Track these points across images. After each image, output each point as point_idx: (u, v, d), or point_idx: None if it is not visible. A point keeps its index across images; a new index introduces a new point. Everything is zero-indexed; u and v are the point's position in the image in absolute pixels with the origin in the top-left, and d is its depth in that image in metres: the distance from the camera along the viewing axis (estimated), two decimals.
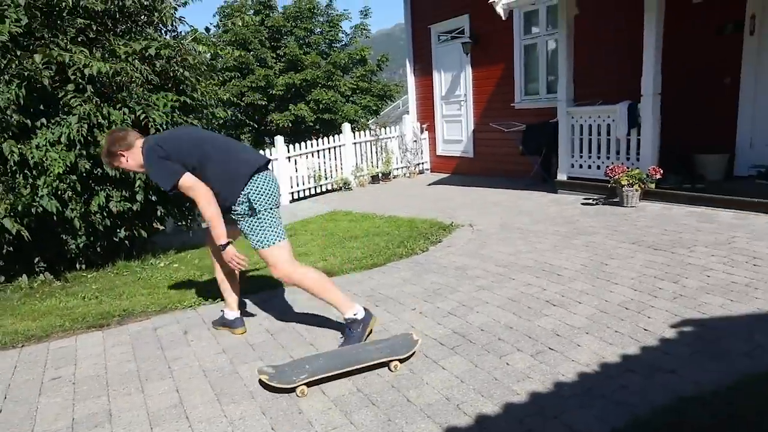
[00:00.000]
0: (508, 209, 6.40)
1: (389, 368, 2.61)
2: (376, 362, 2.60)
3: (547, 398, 2.27)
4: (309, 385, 2.47)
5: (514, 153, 8.35)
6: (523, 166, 8.28)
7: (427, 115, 10.98)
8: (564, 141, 6.80)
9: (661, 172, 5.64)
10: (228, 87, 13.79)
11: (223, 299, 3.35)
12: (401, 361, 2.65)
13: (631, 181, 5.65)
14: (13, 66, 4.17)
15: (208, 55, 5.58)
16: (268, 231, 2.89)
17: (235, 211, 2.88)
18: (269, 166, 3.00)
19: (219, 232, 2.89)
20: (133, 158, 2.95)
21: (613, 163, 6.12)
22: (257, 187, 2.85)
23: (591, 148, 6.53)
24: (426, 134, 11.00)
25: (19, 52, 4.22)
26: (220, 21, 16.83)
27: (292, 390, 2.45)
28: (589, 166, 6.58)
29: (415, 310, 3.42)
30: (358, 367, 2.57)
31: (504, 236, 5.12)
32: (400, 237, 5.42)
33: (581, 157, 6.66)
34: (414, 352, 2.73)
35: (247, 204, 2.84)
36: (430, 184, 9.51)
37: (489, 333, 2.97)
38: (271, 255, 2.91)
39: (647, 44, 5.68)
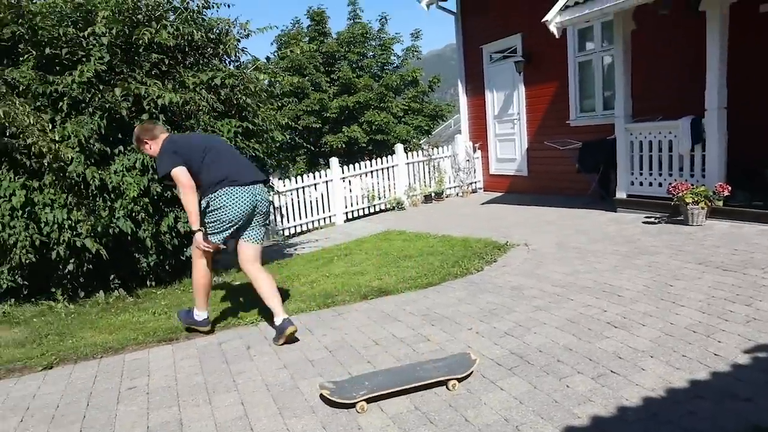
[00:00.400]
0: (565, 228, 6.28)
1: (447, 387, 2.63)
2: (434, 381, 2.63)
3: (609, 422, 2.22)
4: (368, 401, 2.52)
5: (570, 171, 8.21)
6: (579, 185, 8.12)
7: (479, 135, 10.97)
8: (623, 158, 6.63)
9: (729, 188, 5.40)
10: (284, 111, 14.30)
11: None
12: (459, 380, 2.66)
13: (696, 199, 5.43)
14: (96, 99, 4.55)
15: (266, 82, 5.84)
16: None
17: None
18: (249, 184, 3.55)
19: (193, 219, 3.45)
20: (155, 147, 3.60)
21: (675, 180, 5.91)
22: (217, 195, 3.46)
23: (651, 165, 6.33)
24: (479, 153, 10.98)
25: (101, 87, 4.60)
26: (278, 49, 17.55)
27: (352, 406, 2.51)
28: (650, 184, 6.38)
29: (471, 330, 3.42)
30: (416, 385, 2.61)
31: (561, 256, 5.03)
32: (454, 256, 5.42)
33: (641, 174, 6.47)
34: (472, 372, 2.73)
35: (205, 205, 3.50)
36: (483, 203, 9.47)
37: (547, 354, 2.93)
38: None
39: (711, 57, 5.50)
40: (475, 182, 11.07)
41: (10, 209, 4.37)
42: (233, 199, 3.49)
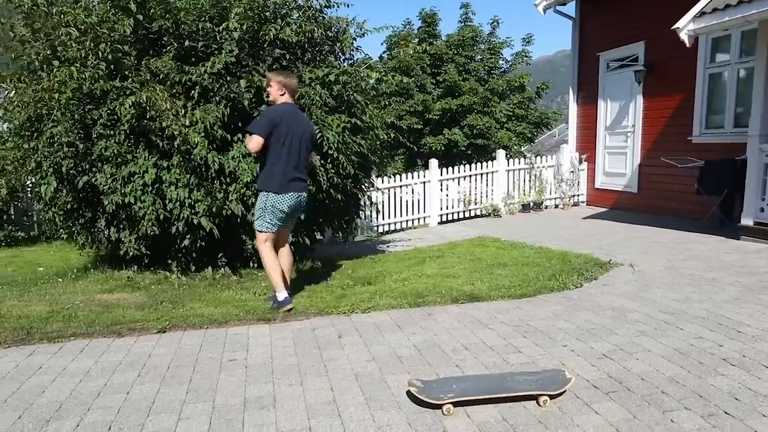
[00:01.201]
0: (677, 252, 5.83)
1: (537, 403, 2.54)
2: (524, 394, 2.55)
3: None
4: (455, 404, 2.50)
5: (687, 191, 7.60)
6: (697, 206, 7.49)
7: (587, 146, 10.47)
8: (753, 181, 6.01)
9: None
10: (389, 110, 14.54)
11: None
12: (551, 397, 2.56)
13: None
14: (223, 89, 4.90)
15: (372, 81, 5.97)
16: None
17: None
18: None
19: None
20: (273, 94, 4.22)
21: None
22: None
23: None
24: (584, 165, 10.48)
25: (228, 78, 4.95)
26: (388, 49, 17.86)
27: (438, 407, 2.50)
28: None
29: (566, 347, 3.27)
30: (505, 395, 2.55)
31: (671, 281, 4.67)
32: (551, 269, 5.22)
33: None
34: (565, 391, 2.62)
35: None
36: (585, 218, 9.03)
37: (650, 383, 2.74)
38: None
39: None
40: (578, 195, 10.58)
41: (142, 185, 4.83)
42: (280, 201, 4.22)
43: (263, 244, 4.26)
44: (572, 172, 10.45)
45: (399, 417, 2.48)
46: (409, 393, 2.65)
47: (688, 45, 6.14)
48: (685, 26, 5.98)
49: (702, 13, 5.85)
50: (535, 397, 2.55)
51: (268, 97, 4.29)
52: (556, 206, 10.47)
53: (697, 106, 7.92)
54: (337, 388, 2.79)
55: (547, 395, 2.54)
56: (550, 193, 10.47)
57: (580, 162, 10.49)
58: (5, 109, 5.28)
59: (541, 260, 5.68)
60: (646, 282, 4.69)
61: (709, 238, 6.48)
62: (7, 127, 5.66)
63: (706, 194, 7.18)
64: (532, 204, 10.23)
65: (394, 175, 9.93)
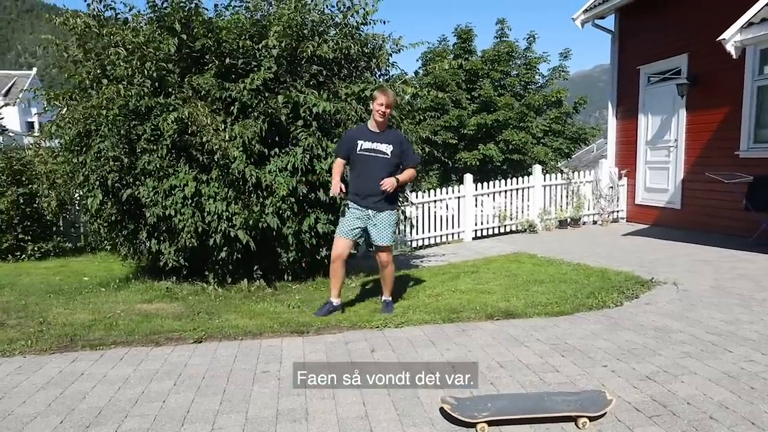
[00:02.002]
0: (724, 271, 5.58)
1: (576, 424, 2.45)
2: (562, 415, 2.46)
3: None
4: (489, 423, 2.44)
5: (734, 208, 7.30)
6: (744, 223, 7.17)
7: (627, 161, 10.20)
8: None
9: None
10: (423, 125, 14.58)
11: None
12: (590, 419, 2.46)
13: None
14: (261, 105, 5.01)
15: (408, 96, 5.99)
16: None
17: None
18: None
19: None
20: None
21: None
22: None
23: None
24: (624, 180, 10.21)
25: (267, 94, 5.06)
26: (423, 65, 17.96)
27: (472, 425, 2.43)
28: None
29: (606, 367, 3.15)
30: (541, 415, 2.46)
31: (718, 301, 4.47)
32: (589, 287, 5.07)
33: None
34: (605, 413, 2.51)
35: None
36: (625, 234, 8.76)
37: (697, 408, 2.60)
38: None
39: None
40: (618, 211, 10.29)
41: (182, 198, 4.97)
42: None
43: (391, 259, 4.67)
44: (611, 187, 10.18)
45: None
46: (442, 410, 2.59)
47: (734, 56, 5.94)
48: (732, 37, 5.79)
49: (750, 24, 5.65)
50: (574, 419, 2.46)
51: (384, 119, 4.36)
52: (595, 222, 10.21)
53: (744, 119, 7.63)
54: (369, 403, 2.76)
55: (586, 417, 2.45)
56: (589, 209, 10.22)
57: (620, 177, 10.22)
58: (57, 125, 5.53)
59: (579, 277, 5.53)
60: (691, 301, 4.49)
61: (758, 256, 6.18)
62: (58, 143, 5.91)
63: (755, 211, 6.87)
64: (569, 220, 10.00)
65: (429, 190, 9.89)
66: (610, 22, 10.41)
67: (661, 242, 7.70)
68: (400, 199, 4.33)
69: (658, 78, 9.35)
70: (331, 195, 4.69)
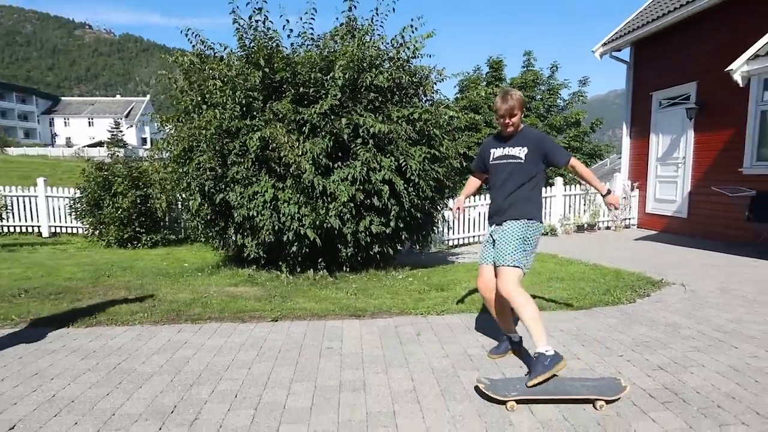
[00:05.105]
0: (728, 274, 5.25)
1: (594, 406, 2.37)
2: (581, 397, 2.39)
3: None
4: (518, 402, 2.39)
5: (736, 218, 6.87)
6: (743, 232, 6.75)
7: (638, 175, 9.76)
8: None
9: None
10: (459, 142, 14.47)
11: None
12: (607, 402, 2.38)
13: None
14: (328, 126, 5.08)
15: (447, 118, 5.92)
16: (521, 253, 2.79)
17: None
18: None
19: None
20: (519, 119, 2.91)
21: None
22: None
23: None
24: (636, 192, 9.77)
25: (332, 117, 5.13)
26: (459, 91, 17.77)
27: (503, 403, 2.40)
28: None
29: (622, 357, 3.03)
30: (563, 397, 2.40)
31: (723, 301, 4.21)
32: (605, 285, 4.88)
33: None
34: (620, 398, 2.42)
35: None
36: (636, 239, 8.38)
37: (705, 397, 2.47)
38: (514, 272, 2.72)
39: None
40: (630, 218, 9.86)
41: (263, 202, 5.10)
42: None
43: (520, 287, 2.66)
44: (625, 197, 9.76)
45: (470, 409, 2.40)
46: (477, 388, 2.56)
47: (741, 85, 5.59)
48: (739, 68, 5.45)
49: (756, 56, 5.30)
50: (592, 402, 2.38)
51: (513, 128, 2.93)
52: (608, 228, 9.82)
53: (747, 140, 7.16)
54: (416, 379, 2.76)
55: (603, 400, 2.36)
56: (603, 216, 9.84)
57: (633, 189, 9.79)
58: (168, 142, 5.80)
59: (596, 276, 5.33)
60: (698, 301, 4.26)
61: (760, 262, 5.79)
62: (167, 156, 6.19)
63: (758, 222, 6.44)
64: (585, 225, 9.66)
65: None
66: (625, 53, 10.01)
67: (669, 247, 7.33)
68: (529, 209, 2.88)
69: (668, 102, 8.90)
70: (451, 211, 3.32)
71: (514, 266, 2.70)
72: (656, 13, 8.81)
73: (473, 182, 3.42)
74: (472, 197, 9.62)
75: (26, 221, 10.47)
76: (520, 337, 3.10)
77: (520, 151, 2.93)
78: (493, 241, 2.93)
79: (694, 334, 3.42)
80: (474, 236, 9.56)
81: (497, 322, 3.06)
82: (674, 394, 2.50)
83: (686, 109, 8.22)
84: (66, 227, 10.45)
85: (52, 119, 72.08)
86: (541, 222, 2.93)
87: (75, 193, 9.23)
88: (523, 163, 2.91)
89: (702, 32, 7.95)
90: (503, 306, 2.92)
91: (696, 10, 7.69)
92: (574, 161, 2.96)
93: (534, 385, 2.42)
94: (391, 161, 5.21)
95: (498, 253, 2.81)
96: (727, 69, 5.59)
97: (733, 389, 2.54)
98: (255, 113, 5.29)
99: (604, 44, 9.83)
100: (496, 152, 3.02)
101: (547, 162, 2.94)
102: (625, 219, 9.81)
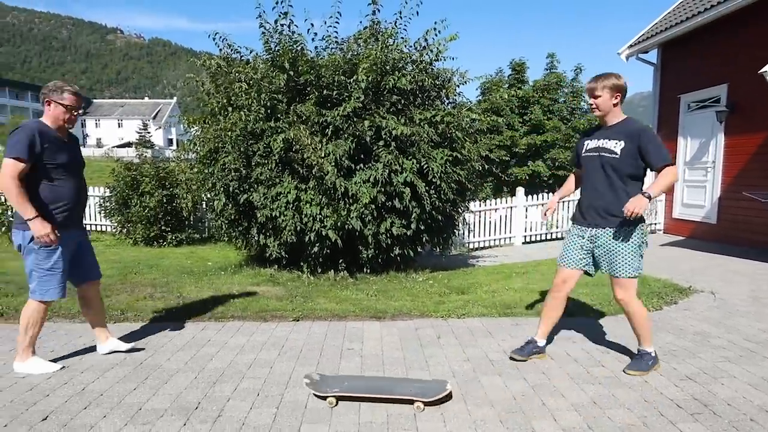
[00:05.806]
0: (759, 282, 5.06)
1: (414, 406, 2.30)
2: (401, 397, 2.44)
3: None
4: (338, 399, 2.34)
5: None
6: None
7: None
8: None
9: None
10: (481, 144, 14.38)
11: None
12: (425, 403, 2.39)
13: None
14: (350, 128, 5.10)
15: (469, 119, 5.87)
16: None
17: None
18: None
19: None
20: (606, 102, 2.66)
21: None
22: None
23: None
24: (662, 196, 9.49)
25: (355, 119, 5.14)
26: (482, 93, 17.63)
27: (324, 398, 2.35)
28: None
29: None
30: (382, 396, 2.45)
31: (755, 310, 4.06)
32: None
33: None
34: (439, 398, 2.40)
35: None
36: (663, 245, 8.15)
37: (737, 410, 2.38)
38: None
39: None
40: (656, 223, 9.60)
41: (285, 203, 5.15)
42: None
43: (636, 296, 2.75)
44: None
45: (492, 414, 2.37)
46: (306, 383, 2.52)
47: None
48: None
49: None
50: (411, 401, 2.32)
51: (600, 111, 2.70)
52: None
53: None
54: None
55: (421, 401, 2.29)
56: None
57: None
58: (194, 143, 5.91)
59: None
60: (728, 310, 4.11)
61: None
62: (193, 156, 6.31)
63: None
64: None
65: (483, 199, 9.68)
66: (652, 55, 9.75)
67: (697, 253, 7.10)
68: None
69: (697, 105, 8.64)
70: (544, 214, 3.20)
71: (636, 276, 2.73)
72: (686, 14, 8.57)
73: (571, 180, 3.09)
74: (493, 200, 9.52)
75: None
76: (545, 343, 3.09)
77: (616, 145, 2.63)
78: (589, 245, 2.80)
79: (725, 343, 3.30)
80: (495, 239, 9.46)
81: (540, 322, 3.03)
82: (704, 406, 2.42)
83: (716, 112, 7.96)
84: (96, 225, 10.76)
85: (84, 120, 74.44)
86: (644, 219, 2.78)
87: (105, 192, 9.49)
88: (618, 159, 2.62)
89: (734, 33, 7.70)
90: (558, 312, 2.98)
91: (728, 10, 7.45)
92: (670, 170, 2.57)
93: (632, 375, 2.75)
94: (412, 163, 5.19)
95: (616, 265, 2.71)
96: (761, 71, 5.39)
97: (767, 402, 2.44)
98: (279, 115, 5.34)
99: (630, 46, 9.61)
100: (590, 144, 2.76)
101: (643, 162, 2.62)
102: (651, 224, 9.55)
